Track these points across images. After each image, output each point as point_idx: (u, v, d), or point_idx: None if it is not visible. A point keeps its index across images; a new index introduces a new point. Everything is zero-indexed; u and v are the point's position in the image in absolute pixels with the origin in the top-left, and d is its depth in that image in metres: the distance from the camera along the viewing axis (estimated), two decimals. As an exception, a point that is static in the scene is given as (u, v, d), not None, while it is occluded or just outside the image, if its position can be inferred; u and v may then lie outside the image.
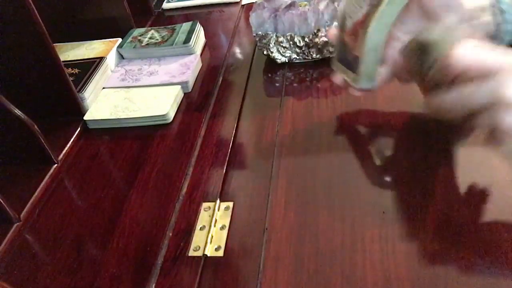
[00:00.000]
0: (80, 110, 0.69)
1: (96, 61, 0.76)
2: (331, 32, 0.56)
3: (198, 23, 0.84)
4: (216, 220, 0.49)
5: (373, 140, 0.57)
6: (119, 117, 0.67)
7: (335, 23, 0.58)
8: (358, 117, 0.60)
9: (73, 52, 0.80)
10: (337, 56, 0.56)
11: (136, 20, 0.89)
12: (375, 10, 0.49)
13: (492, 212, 0.44)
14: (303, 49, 0.72)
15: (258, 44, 0.74)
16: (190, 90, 0.73)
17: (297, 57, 0.73)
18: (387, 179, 0.51)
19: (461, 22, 0.52)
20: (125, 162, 0.61)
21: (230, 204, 0.51)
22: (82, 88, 0.69)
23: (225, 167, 0.56)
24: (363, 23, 0.50)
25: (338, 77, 0.56)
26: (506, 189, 0.46)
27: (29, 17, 0.58)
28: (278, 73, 0.73)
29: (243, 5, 0.98)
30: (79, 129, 0.68)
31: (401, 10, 0.51)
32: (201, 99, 0.71)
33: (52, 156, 0.61)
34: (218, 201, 0.51)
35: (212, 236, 0.48)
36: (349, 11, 0.53)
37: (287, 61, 0.73)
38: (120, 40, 0.83)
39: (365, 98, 0.62)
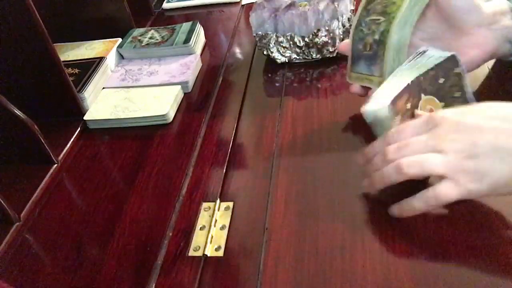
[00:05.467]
0: (80, 110, 0.69)
1: (96, 61, 0.76)
2: (344, 45, 0.57)
3: (198, 23, 0.84)
4: (216, 220, 0.49)
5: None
6: (119, 117, 0.67)
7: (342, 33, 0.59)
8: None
9: (73, 52, 0.80)
10: (351, 67, 0.57)
11: (136, 20, 0.89)
12: (395, 14, 0.49)
13: (492, 212, 0.44)
14: (303, 49, 0.72)
15: (258, 44, 0.74)
16: (190, 90, 0.73)
17: (297, 57, 0.73)
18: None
19: (480, 26, 0.51)
20: (125, 162, 0.61)
21: (230, 204, 0.51)
22: (82, 88, 0.69)
23: (225, 167, 0.56)
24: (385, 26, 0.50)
25: (356, 87, 0.57)
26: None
27: (29, 17, 0.58)
28: (278, 73, 0.73)
29: (243, 5, 0.98)
30: (79, 129, 0.68)
31: (421, 12, 0.51)
32: (201, 99, 0.71)
33: (52, 156, 0.61)
34: (218, 201, 0.51)
35: (212, 236, 0.48)
36: (363, 23, 0.53)
37: (287, 61, 0.73)
38: (120, 40, 0.83)
39: (365, 97, 0.62)
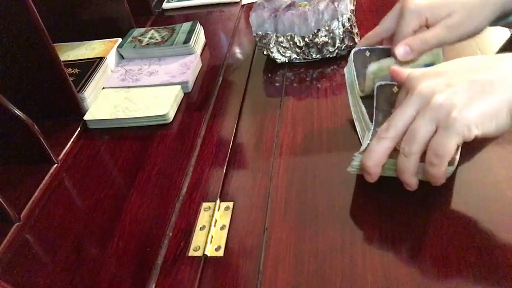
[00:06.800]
0: (80, 110, 0.69)
1: (96, 61, 0.76)
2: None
3: (198, 23, 0.84)
4: (216, 220, 0.49)
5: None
6: (119, 117, 0.67)
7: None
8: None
9: (73, 52, 0.80)
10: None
11: (136, 20, 0.89)
12: None
13: (492, 212, 0.44)
14: (303, 49, 0.72)
15: (258, 44, 0.74)
16: (190, 90, 0.73)
17: (297, 57, 0.73)
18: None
19: None
20: (125, 162, 0.61)
21: (230, 204, 0.51)
22: (82, 88, 0.69)
23: (225, 167, 0.56)
24: None
25: None
26: (506, 189, 0.46)
27: (29, 17, 0.58)
28: (278, 73, 0.73)
29: (243, 5, 0.98)
30: (79, 129, 0.68)
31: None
32: (201, 99, 0.71)
33: (52, 156, 0.61)
34: (218, 201, 0.51)
35: (212, 236, 0.48)
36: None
37: (287, 61, 0.73)
38: (120, 40, 0.83)
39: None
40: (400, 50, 0.51)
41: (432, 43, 0.51)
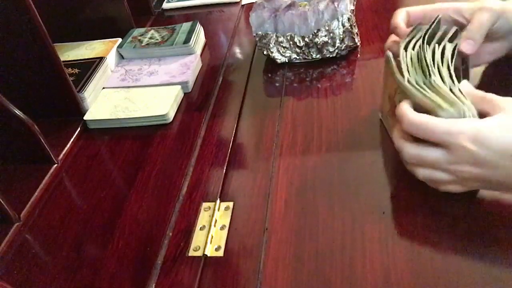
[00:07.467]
0: (80, 110, 0.69)
1: (96, 61, 0.76)
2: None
3: (198, 23, 0.84)
4: (216, 220, 0.49)
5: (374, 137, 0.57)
6: (119, 117, 0.67)
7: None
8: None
9: (73, 52, 0.80)
10: None
11: (136, 20, 0.89)
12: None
13: (492, 212, 0.44)
14: (303, 49, 0.72)
15: (258, 44, 0.74)
16: (190, 90, 0.73)
17: (297, 57, 0.73)
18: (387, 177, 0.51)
19: None
20: (125, 162, 0.61)
21: (230, 204, 0.51)
22: (82, 88, 0.69)
23: (225, 167, 0.56)
24: None
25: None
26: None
27: (29, 17, 0.58)
28: (278, 73, 0.73)
29: (243, 5, 0.98)
30: (79, 129, 0.68)
31: None
32: (201, 99, 0.71)
33: (52, 156, 0.61)
34: (218, 201, 0.51)
35: (212, 236, 0.48)
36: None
37: (287, 61, 0.73)
38: (120, 40, 0.83)
39: (365, 97, 0.62)
40: (466, 45, 0.51)
41: (485, 27, 0.51)
